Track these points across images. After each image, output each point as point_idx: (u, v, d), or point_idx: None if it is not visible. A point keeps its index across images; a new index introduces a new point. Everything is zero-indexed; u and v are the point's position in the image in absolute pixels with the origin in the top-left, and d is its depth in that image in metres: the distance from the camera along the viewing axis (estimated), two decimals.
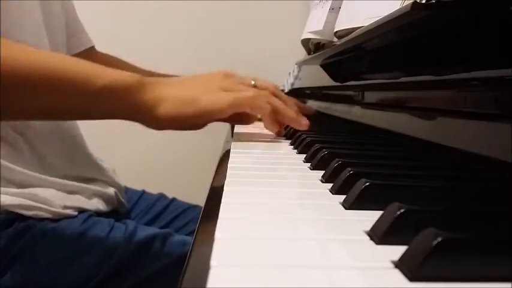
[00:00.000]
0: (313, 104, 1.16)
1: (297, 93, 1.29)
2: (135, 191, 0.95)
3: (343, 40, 0.67)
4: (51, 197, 0.68)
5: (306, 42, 0.95)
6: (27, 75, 0.51)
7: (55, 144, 0.72)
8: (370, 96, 0.73)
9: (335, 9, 0.81)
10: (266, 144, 0.69)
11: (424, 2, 0.39)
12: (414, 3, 0.40)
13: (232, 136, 0.74)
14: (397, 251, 0.24)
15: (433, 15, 0.41)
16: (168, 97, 0.56)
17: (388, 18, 0.47)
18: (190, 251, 0.27)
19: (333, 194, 0.38)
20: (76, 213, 0.70)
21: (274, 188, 0.41)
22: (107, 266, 0.64)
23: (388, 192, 0.33)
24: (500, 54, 0.38)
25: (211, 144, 1.09)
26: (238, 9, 1.73)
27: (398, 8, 0.46)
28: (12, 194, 0.66)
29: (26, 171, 0.68)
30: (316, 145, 0.55)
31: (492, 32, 0.39)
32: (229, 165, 0.49)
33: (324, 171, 0.45)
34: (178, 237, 0.69)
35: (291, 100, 0.72)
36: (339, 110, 0.92)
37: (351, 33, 0.63)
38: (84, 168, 0.77)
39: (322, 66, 0.94)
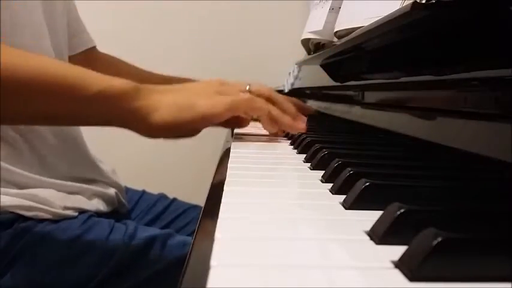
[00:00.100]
0: (313, 104, 1.16)
1: (297, 93, 1.29)
2: (135, 191, 0.95)
3: (343, 40, 0.67)
4: (51, 198, 0.68)
5: (306, 42, 0.95)
6: (27, 81, 0.51)
7: (55, 145, 0.72)
8: (370, 96, 0.73)
9: (335, 9, 0.81)
10: (266, 144, 0.69)
11: (424, 2, 0.39)
12: (414, 3, 0.40)
13: (232, 136, 0.74)
14: (397, 251, 0.24)
15: (433, 15, 0.41)
16: (164, 105, 0.55)
17: (388, 18, 0.47)
18: (190, 251, 0.27)
19: (333, 194, 0.38)
20: (76, 213, 0.69)
21: (274, 188, 0.41)
22: (107, 267, 0.64)
23: (388, 192, 0.33)
24: (500, 54, 0.38)
25: (211, 144, 1.09)
26: (238, 9, 1.73)
27: (398, 8, 0.46)
28: (13, 195, 0.66)
29: (26, 172, 0.68)
30: (316, 145, 0.55)
31: (492, 32, 0.39)
32: (229, 165, 0.49)
33: (324, 171, 0.45)
34: (178, 238, 0.69)
35: (289, 102, 0.70)
36: (339, 110, 0.92)
37: (351, 33, 0.63)
38: (84, 169, 0.77)
39: (322, 66, 0.94)
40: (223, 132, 0.87)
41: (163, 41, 1.73)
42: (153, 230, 0.70)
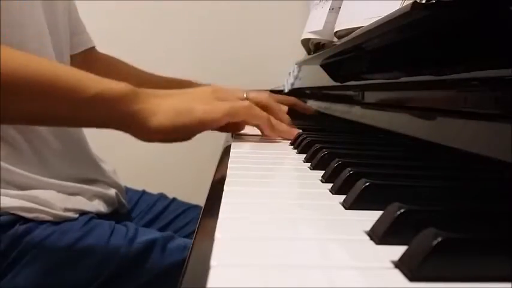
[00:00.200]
0: (313, 104, 1.16)
1: (297, 93, 1.29)
2: (135, 191, 0.95)
3: (343, 40, 0.67)
4: (51, 199, 0.68)
5: (306, 42, 0.95)
6: (26, 82, 0.51)
7: (56, 145, 0.72)
8: (370, 96, 0.73)
9: (335, 9, 0.81)
10: (266, 144, 0.69)
11: (424, 2, 0.39)
12: (414, 3, 0.40)
13: (232, 136, 0.74)
14: (397, 251, 0.24)
15: (433, 15, 0.41)
16: (162, 109, 0.55)
17: (388, 18, 0.47)
18: (190, 251, 0.27)
19: (333, 194, 0.38)
20: (77, 215, 0.69)
21: (274, 188, 0.41)
22: (107, 269, 0.64)
23: (388, 192, 0.33)
24: (500, 54, 0.38)
25: (211, 144, 1.09)
26: (238, 9, 1.73)
27: (398, 8, 0.46)
28: (13, 196, 0.65)
29: (26, 172, 0.68)
30: (316, 145, 0.55)
31: (492, 32, 0.39)
32: (229, 165, 0.49)
33: (324, 171, 0.45)
34: (178, 241, 0.69)
35: (284, 113, 0.74)
36: (339, 110, 0.92)
37: (351, 33, 0.63)
38: (85, 169, 0.77)
39: (322, 66, 0.94)
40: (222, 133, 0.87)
41: (163, 41, 1.73)
42: (154, 233, 0.70)
